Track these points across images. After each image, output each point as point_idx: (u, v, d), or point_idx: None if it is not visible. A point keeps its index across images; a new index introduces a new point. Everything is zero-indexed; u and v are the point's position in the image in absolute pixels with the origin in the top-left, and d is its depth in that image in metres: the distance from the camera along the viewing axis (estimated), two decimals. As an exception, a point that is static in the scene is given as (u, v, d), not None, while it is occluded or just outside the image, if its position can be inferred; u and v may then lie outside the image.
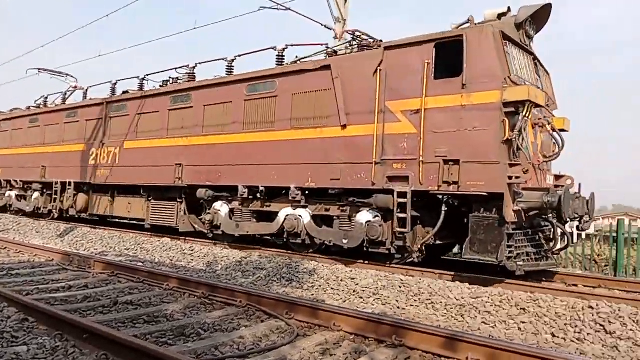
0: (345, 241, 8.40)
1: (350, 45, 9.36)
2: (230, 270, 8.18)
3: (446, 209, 7.47)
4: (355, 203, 8.37)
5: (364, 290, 6.75)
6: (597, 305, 5.66)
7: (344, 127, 8.37)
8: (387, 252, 8.05)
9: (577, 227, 7.54)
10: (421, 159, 7.43)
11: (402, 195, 7.55)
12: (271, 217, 9.70)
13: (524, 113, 6.81)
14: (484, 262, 7.57)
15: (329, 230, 8.76)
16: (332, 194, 8.80)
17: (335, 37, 13.09)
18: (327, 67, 8.66)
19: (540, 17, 7.93)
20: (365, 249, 8.27)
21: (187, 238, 11.27)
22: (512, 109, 6.85)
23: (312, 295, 6.72)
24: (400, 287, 6.69)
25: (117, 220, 13.83)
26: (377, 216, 8.06)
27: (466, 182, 6.99)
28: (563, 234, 7.38)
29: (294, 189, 8.91)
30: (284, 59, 10.06)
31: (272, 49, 10.37)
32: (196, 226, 11.24)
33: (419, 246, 7.87)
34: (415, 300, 6.33)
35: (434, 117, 7.39)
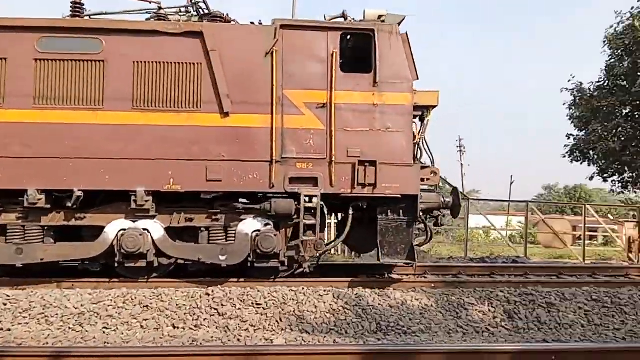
0: (223, 257, 6.72)
1: (185, 12, 7.48)
2: None
3: (352, 212, 7.00)
4: (237, 210, 6.79)
5: (-55, 318, 5.55)
6: (212, 291, 6.17)
7: (226, 114, 6.62)
8: (278, 265, 6.91)
9: (435, 224, 8.32)
10: (333, 158, 6.70)
11: (310, 200, 6.65)
12: (81, 233, 6.84)
13: (429, 117, 7.12)
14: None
15: (196, 246, 6.80)
16: (194, 199, 6.85)
17: None
18: (196, 35, 6.64)
19: None
20: (249, 264, 6.85)
21: None
22: (419, 113, 7.05)
23: None
24: (5, 305, 5.82)
25: None
26: (267, 224, 6.79)
27: (382, 185, 6.75)
28: (428, 229, 8.06)
29: (143, 193, 6.47)
30: (82, 10, 7.16)
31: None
32: None
33: (317, 254, 7.12)
34: (25, 317, 5.64)
35: (343, 114, 6.77)
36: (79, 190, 6.40)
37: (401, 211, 6.97)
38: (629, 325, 5.94)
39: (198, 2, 7.50)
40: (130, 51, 6.58)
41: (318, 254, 7.14)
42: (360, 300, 6.11)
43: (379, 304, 6.07)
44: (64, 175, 6.43)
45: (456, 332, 5.58)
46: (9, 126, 6.41)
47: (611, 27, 16.92)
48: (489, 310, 6.09)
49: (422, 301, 6.24)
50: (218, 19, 7.20)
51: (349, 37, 7.00)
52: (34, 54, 6.48)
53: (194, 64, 6.63)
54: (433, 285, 7.02)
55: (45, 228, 6.66)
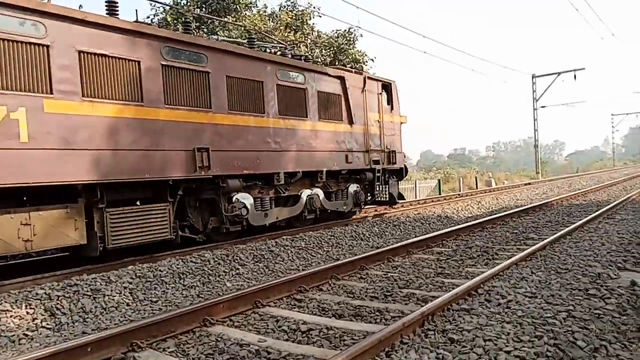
0: (345, 207, 12.28)
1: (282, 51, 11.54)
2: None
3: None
4: (349, 179, 12.40)
5: None
6: None
7: (351, 125, 12.06)
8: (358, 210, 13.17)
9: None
10: (384, 149, 13.20)
11: (378, 171, 13.02)
12: (287, 200, 10.76)
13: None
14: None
15: (334, 202, 11.97)
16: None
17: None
18: (340, 78, 11.87)
19: None
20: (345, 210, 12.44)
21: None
22: (400, 127, 14.26)
23: None
24: None
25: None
26: (358, 186, 12.69)
27: (396, 162, 13.65)
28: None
29: (325, 172, 11.24)
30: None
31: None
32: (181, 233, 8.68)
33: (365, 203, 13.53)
34: None
35: (385, 126, 13.27)
36: (301, 172, 10.54)
37: (394, 176, 14.02)
38: (168, 294, 6.26)
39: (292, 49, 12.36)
40: (316, 84, 11.10)
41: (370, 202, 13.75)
42: None
43: None
44: (295, 162, 10.43)
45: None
46: (261, 129, 9.67)
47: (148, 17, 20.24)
48: (27, 313, 5.39)
49: None
50: (311, 59, 12.90)
51: (384, 85, 13.38)
52: (276, 80, 10.05)
53: (339, 95, 11.79)
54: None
55: (271, 198, 10.10)
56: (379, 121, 13.00)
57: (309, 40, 21.17)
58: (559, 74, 34.78)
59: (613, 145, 76.02)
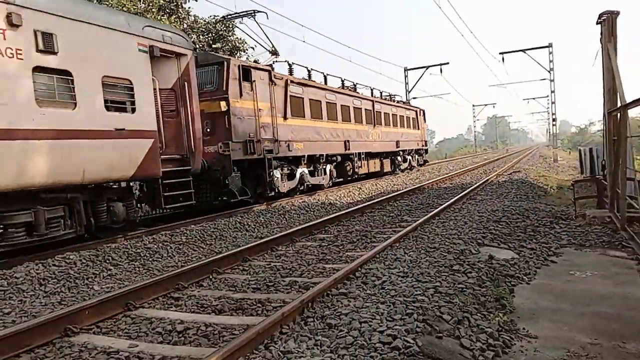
0: (416, 164, 27.16)
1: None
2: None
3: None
4: (415, 153, 27.29)
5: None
6: None
7: (418, 129, 27.10)
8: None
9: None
10: (423, 139, 27.98)
11: (422, 150, 28.96)
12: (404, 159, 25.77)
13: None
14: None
15: (413, 162, 27.09)
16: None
17: None
18: (415, 111, 27.27)
19: None
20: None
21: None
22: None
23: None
24: None
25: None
26: (417, 156, 28.03)
27: (426, 146, 28.73)
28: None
29: (414, 149, 26.72)
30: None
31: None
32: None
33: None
34: None
35: (424, 130, 27.59)
36: (409, 150, 25.78)
37: (424, 152, 29.99)
38: (26, 303, 5.44)
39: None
40: (412, 115, 25.91)
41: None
42: None
43: None
44: (408, 145, 25.13)
45: None
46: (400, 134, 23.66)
47: None
48: None
49: None
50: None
51: (423, 111, 28.19)
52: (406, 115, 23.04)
53: (415, 117, 26.97)
54: None
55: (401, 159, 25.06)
56: (422, 127, 27.70)
57: (185, 25, 20.19)
58: (427, 67, 37.46)
59: (475, 133, 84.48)
